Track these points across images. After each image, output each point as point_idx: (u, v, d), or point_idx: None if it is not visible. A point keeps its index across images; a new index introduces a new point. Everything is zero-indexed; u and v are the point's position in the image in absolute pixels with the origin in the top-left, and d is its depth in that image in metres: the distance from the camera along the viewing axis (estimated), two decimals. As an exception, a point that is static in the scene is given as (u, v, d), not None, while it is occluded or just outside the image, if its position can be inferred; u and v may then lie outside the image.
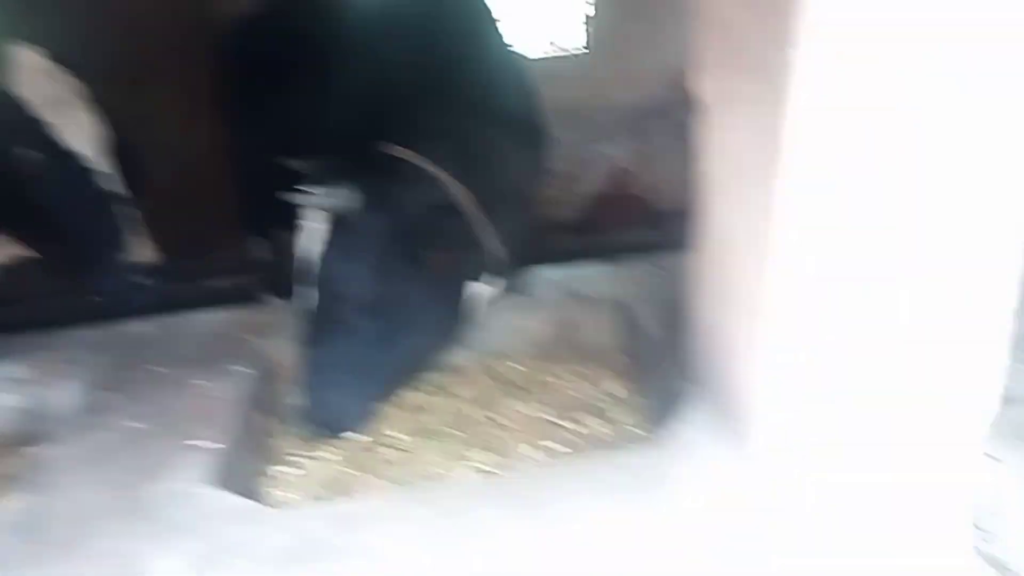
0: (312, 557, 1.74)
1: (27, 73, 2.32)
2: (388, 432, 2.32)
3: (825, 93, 1.48)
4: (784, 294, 1.66)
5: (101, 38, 3.40)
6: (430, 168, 2.23)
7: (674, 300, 2.29)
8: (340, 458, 2.24)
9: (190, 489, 1.95)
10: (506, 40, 2.79)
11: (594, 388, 2.50)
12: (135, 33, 3.77)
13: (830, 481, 1.78)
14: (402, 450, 2.27)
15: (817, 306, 1.65)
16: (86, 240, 2.37)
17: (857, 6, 1.41)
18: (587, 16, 4.98)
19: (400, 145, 2.25)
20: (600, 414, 2.36)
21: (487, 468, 2.16)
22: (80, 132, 2.36)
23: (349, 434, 2.25)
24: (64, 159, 2.31)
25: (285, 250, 2.23)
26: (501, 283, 2.48)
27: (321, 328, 2.19)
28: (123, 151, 2.47)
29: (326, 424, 2.22)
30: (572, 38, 5.08)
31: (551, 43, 5.12)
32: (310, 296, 2.18)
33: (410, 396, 2.43)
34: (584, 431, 2.30)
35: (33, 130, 2.28)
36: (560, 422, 2.33)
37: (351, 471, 2.20)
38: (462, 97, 2.44)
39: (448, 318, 2.35)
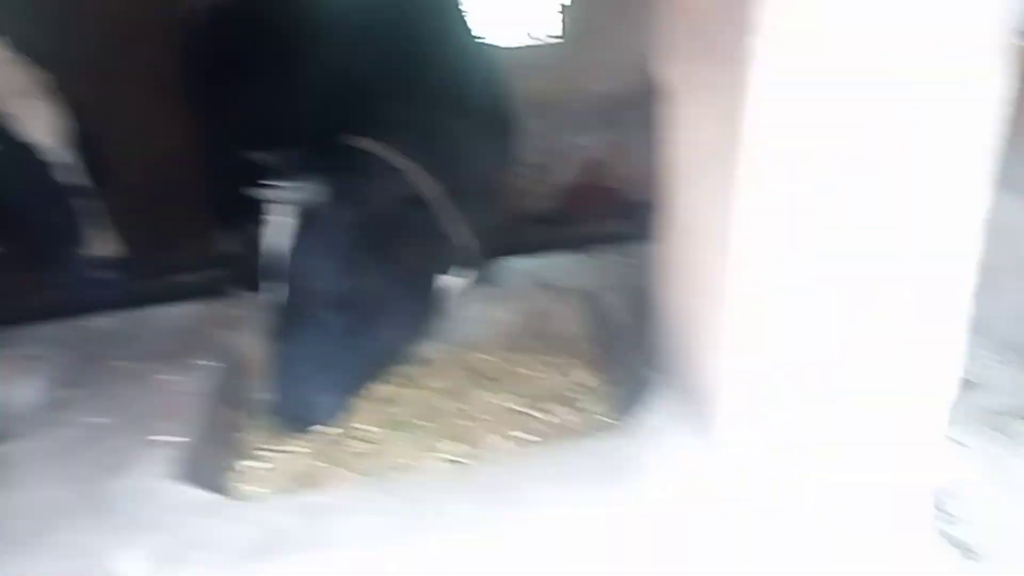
0: (280, 549, 1.72)
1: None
2: (357, 424, 2.31)
3: (785, 81, 1.48)
4: (746, 282, 1.66)
5: (64, 27, 3.34)
6: (398, 160, 2.21)
7: (643, 289, 2.30)
8: (309, 451, 2.23)
9: (154, 484, 1.92)
10: (474, 30, 2.78)
11: (564, 377, 2.50)
12: (99, 22, 3.70)
13: (796, 469, 1.80)
14: (372, 442, 2.26)
15: (778, 293, 1.65)
16: (47, 234, 2.33)
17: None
18: (562, 5, 4.96)
19: (367, 137, 2.23)
20: (570, 403, 2.37)
21: (457, 459, 2.16)
22: (41, 123, 2.33)
23: (318, 427, 2.24)
24: (23, 151, 2.27)
25: (252, 244, 2.21)
26: (471, 274, 2.47)
27: (290, 322, 2.17)
28: (86, 143, 2.44)
29: (296, 418, 2.20)
30: (547, 27, 5.06)
31: (526, 33, 5.09)
32: (278, 290, 2.16)
33: (379, 388, 2.41)
34: (554, 420, 2.30)
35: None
36: (530, 412, 2.33)
37: (320, 464, 2.18)
38: (429, 88, 2.43)
39: (418, 310, 2.34)
